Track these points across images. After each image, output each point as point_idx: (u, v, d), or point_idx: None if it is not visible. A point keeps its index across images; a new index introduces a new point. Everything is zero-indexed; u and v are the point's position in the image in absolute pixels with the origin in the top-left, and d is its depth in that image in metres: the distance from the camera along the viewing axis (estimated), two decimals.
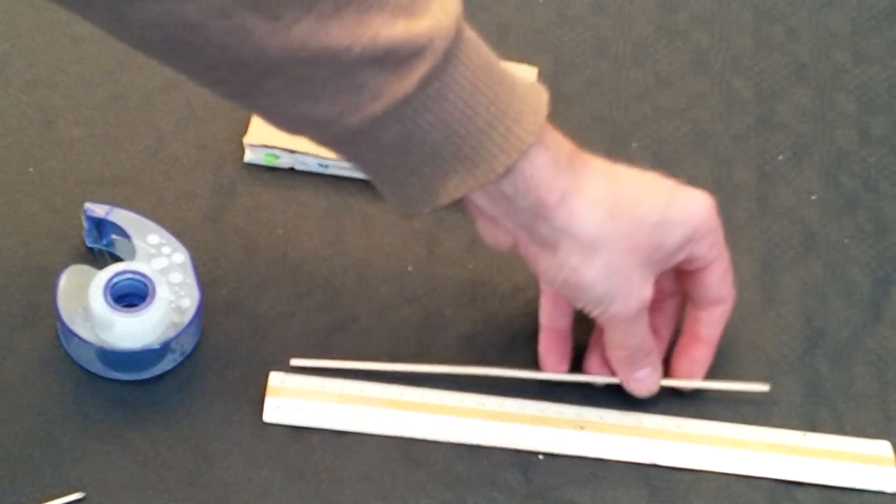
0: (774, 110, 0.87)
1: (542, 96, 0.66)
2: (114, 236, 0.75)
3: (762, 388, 0.74)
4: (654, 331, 0.73)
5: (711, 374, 0.75)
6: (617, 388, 0.73)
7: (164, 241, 0.74)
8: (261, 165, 0.81)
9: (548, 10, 0.91)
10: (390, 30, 0.61)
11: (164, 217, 0.76)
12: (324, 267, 0.77)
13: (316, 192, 0.80)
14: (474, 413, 0.72)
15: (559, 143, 0.66)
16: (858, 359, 0.77)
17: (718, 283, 0.72)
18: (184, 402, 0.71)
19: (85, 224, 0.75)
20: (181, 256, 0.74)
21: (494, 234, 0.69)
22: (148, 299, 0.71)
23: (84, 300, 0.71)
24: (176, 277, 0.73)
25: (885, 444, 0.74)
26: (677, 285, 0.74)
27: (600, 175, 0.67)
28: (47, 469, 0.68)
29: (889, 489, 0.72)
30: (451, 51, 0.62)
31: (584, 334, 0.74)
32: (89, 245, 0.76)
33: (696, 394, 0.75)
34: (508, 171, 0.65)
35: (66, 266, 0.73)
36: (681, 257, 0.70)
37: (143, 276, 0.71)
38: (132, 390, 0.71)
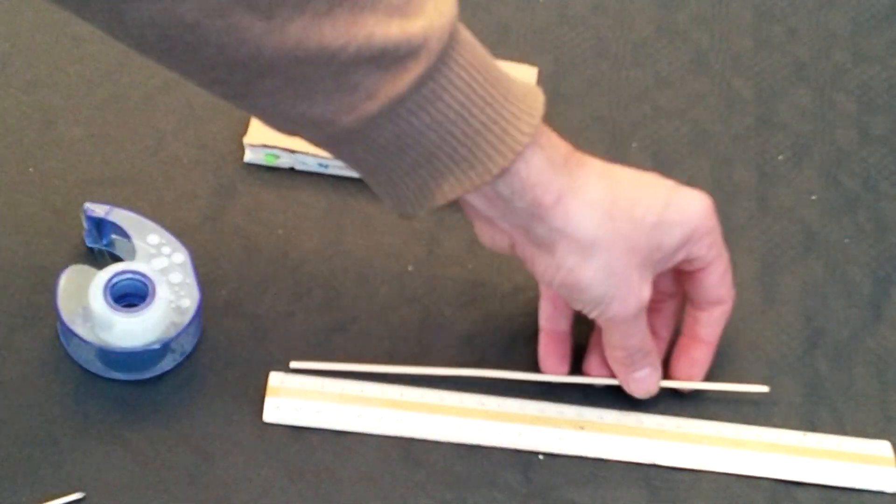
0: (774, 110, 0.87)
1: (538, 97, 0.66)
2: (114, 236, 0.75)
3: (762, 389, 0.74)
4: (654, 332, 0.73)
5: (712, 375, 0.75)
6: (617, 389, 0.73)
7: (164, 241, 0.74)
8: (261, 165, 0.81)
9: (548, 9, 0.90)
10: (385, 29, 0.61)
11: (164, 217, 0.76)
12: (324, 267, 0.77)
13: (316, 192, 0.80)
14: (474, 413, 0.72)
15: (555, 143, 0.66)
16: (858, 359, 0.77)
17: (717, 284, 0.72)
18: (184, 402, 0.71)
19: (85, 224, 0.75)
20: (181, 256, 0.74)
21: (491, 236, 0.69)
22: (148, 299, 0.71)
23: (84, 300, 0.71)
24: (176, 277, 0.73)
25: (885, 444, 0.74)
26: (676, 286, 0.74)
27: (597, 175, 0.67)
28: (47, 469, 0.68)
29: (889, 489, 0.72)
30: (446, 51, 0.63)
31: (583, 335, 0.74)
32: (89, 245, 0.76)
33: (696, 394, 0.75)
34: (504, 171, 0.65)
35: (66, 266, 0.73)
36: (679, 258, 0.70)
37: (143, 276, 0.71)
38: (132, 390, 0.71)
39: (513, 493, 0.70)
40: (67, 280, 0.72)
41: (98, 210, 0.75)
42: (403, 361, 0.74)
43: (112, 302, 0.70)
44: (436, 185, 0.65)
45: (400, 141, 0.64)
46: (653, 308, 0.73)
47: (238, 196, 0.79)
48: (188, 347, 0.73)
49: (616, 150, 0.84)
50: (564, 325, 0.73)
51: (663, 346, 0.74)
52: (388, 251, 0.78)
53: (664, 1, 0.92)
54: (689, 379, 0.74)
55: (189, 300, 0.72)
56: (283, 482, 0.69)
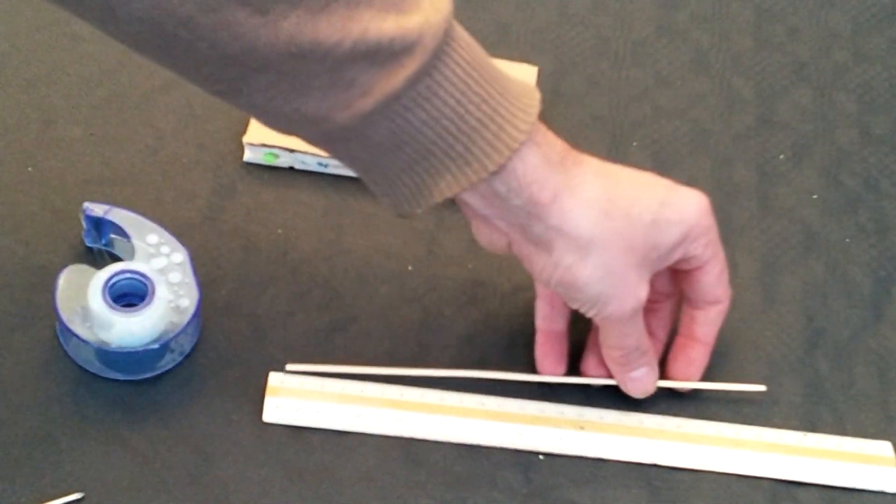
0: (775, 110, 0.87)
1: (534, 95, 0.66)
2: (113, 236, 0.75)
3: (758, 388, 0.74)
4: (651, 332, 0.73)
5: (712, 374, 0.75)
6: (617, 388, 0.73)
7: (163, 241, 0.74)
8: (260, 165, 0.81)
9: (548, 9, 0.90)
10: (380, 25, 0.61)
11: (164, 216, 0.76)
12: (323, 266, 0.77)
13: (316, 192, 0.80)
14: (474, 413, 0.72)
15: (551, 142, 0.67)
16: (859, 359, 0.77)
17: (714, 283, 0.72)
18: (183, 402, 0.71)
19: (84, 223, 0.75)
20: (180, 256, 0.74)
21: (488, 235, 0.69)
22: (147, 299, 0.71)
23: (83, 300, 0.71)
24: (175, 277, 0.73)
25: (885, 445, 0.73)
26: (673, 286, 0.74)
27: (594, 174, 0.67)
28: (46, 469, 0.68)
29: (890, 489, 0.72)
30: (442, 48, 0.63)
31: (581, 335, 0.74)
32: (88, 245, 0.76)
33: (696, 394, 0.74)
34: (500, 169, 0.65)
35: (64, 266, 0.73)
36: (676, 257, 0.70)
37: (143, 275, 0.71)
38: (131, 390, 0.71)
39: (513, 493, 0.70)
40: (66, 280, 0.72)
41: (97, 209, 0.75)
42: (403, 361, 0.74)
43: (111, 302, 0.70)
44: (432, 182, 0.65)
45: (396, 138, 0.64)
46: (650, 308, 0.73)
47: (237, 195, 0.79)
48: (187, 347, 0.73)
49: (616, 149, 0.84)
50: (561, 324, 0.73)
51: (660, 346, 0.74)
52: (387, 251, 0.78)
53: (664, 0, 0.92)
54: (687, 379, 0.74)
55: (188, 300, 0.72)
56: (283, 482, 0.69)
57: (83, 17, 0.61)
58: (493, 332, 0.76)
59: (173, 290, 0.72)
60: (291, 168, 0.81)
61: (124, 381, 0.71)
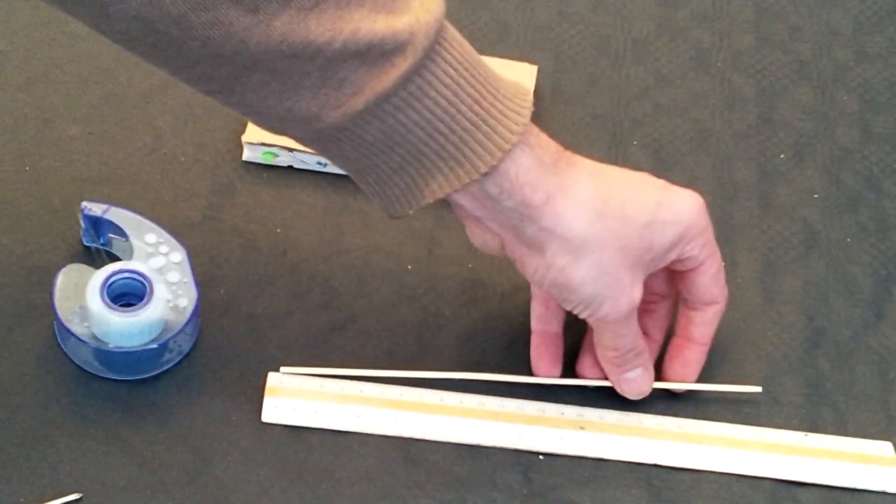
0: (776, 108, 0.87)
1: (526, 96, 0.66)
2: (111, 235, 0.75)
3: (755, 389, 0.74)
4: (647, 333, 0.73)
5: (712, 373, 0.75)
6: (615, 389, 0.73)
7: (161, 240, 0.74)
8: (259, 164, 0.81)
9: (548, 7, 0.90)
10: (371, 25, 0.61)
11: (162, 216, 0.76)
12: (323, 266, 0.77)
13: (315, 191, 0.80)
14: (474, 413, 0.72)
15: (544, 143, 0.67)
16: (860, 358, 0.77)
17: (710, 283, 0.72)
18: (182, 402, 0.71)
19: (82, 223, 0.75)
20: (179, 255, 0.73)
21: (482, 236, 0.69)
22: (145, 299, 0.70)
23: (81, 299, 0.71)
24: (174, 277, 0.73)
25: (886, 445, 0.73)
26: (669, 287, 0.74)
27: (588, 175, 0.67)
28: (44, 469, 0.68)
29: (891, 489, 0.72)
30: (433, 48, 0.63)
31: (577, 337, 0.74)
32: (86, 244, 0.76)
33: (697, 394, 0.74)
34: (492, 170, 0.65)
35: (63, 265, 0.73)
36: (672, 257, 0.70)
37: (141, 275, 0.71)
38: (129, 390, 0.71)
39: (513, 493, 0.70)
40: (64, 279, 0.72)
41: (95, 209, 0.75)
42: (402, 361, 0.74)
43: (109, 301, 0.70)
44: (424, 183, 0.66)
45: (387, 138, 0.64)
46: (646, 309, 0.73)
47: (236, 195, 0.79)
48: (186, 347, 0.72)
49: (616, 148, 0.84)
50: (556, 326, 0.73)
51: (656, 347, 0.74)
52: (387, 250, 0.78)
53: None
54: (683, 380, 0.74)
55: (187, 299, 0.72)
56: (282, 482, 0.69)
57: (76, 15, 0.61)
58: (492, 332, 0.75)
59: (172, 290, 0.72)
60: (290, 167, 0.81)
61: (122, 380, 0.71)
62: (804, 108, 0.87)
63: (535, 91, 0.84)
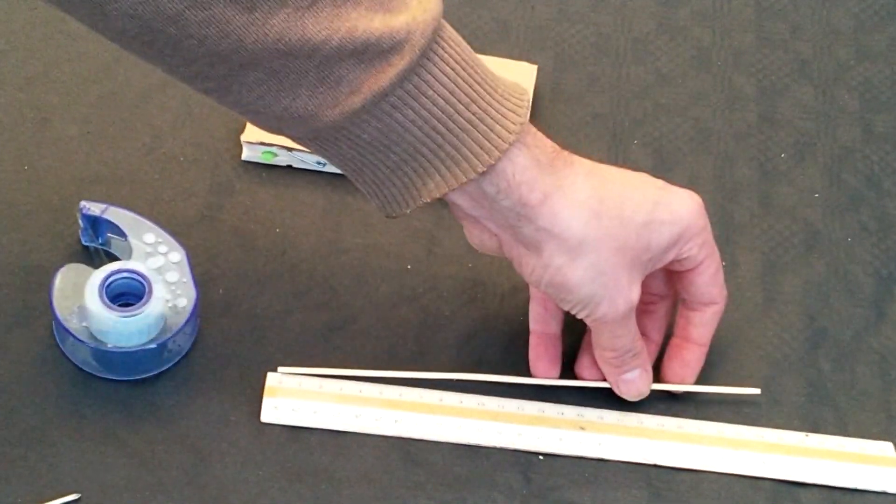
0: (776, 108, 0.87)
1: (524, 96, 0.66)
2: (110, 235, 0.75)
3: (754, 391, 0.74)
4: (645, 334, 0.73)
5: (712, 374, 0.74)
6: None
7: (160, 240, 0.74)
8: (258, 163, 0.80)
9: (548, 6, 0.90)
10: (368, 24, 0.61)
11: (161, 215, 0.76)
12: (322, 266, 0.77)
13: (314, 190, 0.80)
14: (474, 413, 0.72)
15: (541, 143, 0.66)
16: (861, 358, 0.76)
17: (709, 284, 0.71)
18: (180, 402, 0.71)
19: (80, 222, 0.75)
20: (178, 255, 0.73)
21: (479, 236, 0.69)
22: (144, 299, 0.70)
23: (80, 299, 0.71)
24: (172, 276, 0.72)
25: (887, 445, 0.73)
26: (668, 287, 0.73)
27: (585, 175, 0.67)
28: (42, 470, 0.68)
29: (892, 490, 0.72)
30: (430, 47, 0.63)
31: (576, 337, 0.74)
32: (85, 244, 0.76)
33: (697, 394, 0.74)
34: (489, 170, 0.65)
35: (61, 265, 0.72)
36: (670, 258, 0.70)
37: (140, 275, 0.71)
38: (128, 390, 0.71)
39: (513, 493, 0.70)
40: (63, 279, 0.72)
41: (94, 208, 0.74)
42: (402, 361, 0.73)
43: (108, 301, 0.70)
44: (421, 182, 0.65)
45: (384, 137, 0.64)
46: (645, 310, 0.73)
47: (235, 194, 0.79)
48: (185, 347, 0.72)
49: (617, 147, 0.84)
50: (555, 327, 0.73)
51: (655, 347, 0.74)
52: (386, 250, 0.78)
53: None
54: (681, 380, 0.74)
55: (186, 299, 0.72)
56: (281, 483, 0.69)
57: (73, 13, 0.61)
58: (492, 332, 0.75)
59: (170, 290, 0.72)
60: (290, 166, 0.81)
61: (121, 381, 0.71)
62: (805, 107, 0.87)
63: (534, 90, 0.84)
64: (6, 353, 0.71)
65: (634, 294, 0.68)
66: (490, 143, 0.65)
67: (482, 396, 0.73)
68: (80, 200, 0.75)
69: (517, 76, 0.83)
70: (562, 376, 0.73)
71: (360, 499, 0.69)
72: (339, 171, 0.79)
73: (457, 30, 0.66)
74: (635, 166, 0.82)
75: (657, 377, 0.73)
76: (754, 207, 0.82)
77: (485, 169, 0.65)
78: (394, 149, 0.65)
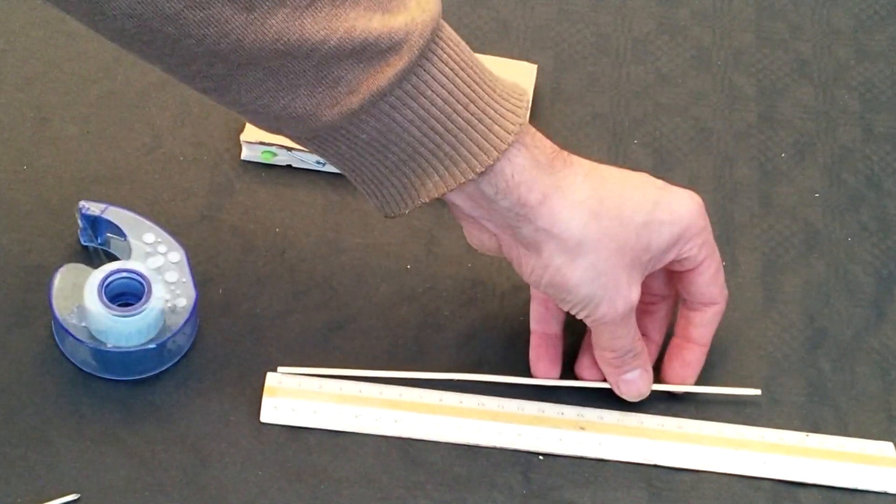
0: (777, 107, 0.87)
1: (523, 96, 0.66)
2: (109, 235, 0.75)
3: (754, 392, 0.74)
4: (646, 334, 0.73)
5: (713, 374, 0.74)
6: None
7: (159, 240, 0.74)
8: (258, 163, 0.80)
9: (548, 6, 0.90)
10: (366, 23, 0.61)
11: (160, 215, 0.76)
12: (322, 266, 0.77)
13: (314, 190, 0.80)
14: (473, 413, 0.72)
15: (540, 143, 0.66)
16: (861, 359, 0.76)
17: (709, 284, 0.71)
18: (180, 402, 0.71)
19: (80, 222, 0.75)
20: (177, 255, 0.73)
21: (479, 236, 0.69)
22: (143, 299, 0.70)
23: (79, 299, 0.71)
24: (172, 276, 0.72)
25: (888, 445, 0.73)
26: (669, 287, 0.73)
27: (584, 175, 0.67)
28: (42, 470, 0.68)
29: (892, 490, 0.72)
30: (429, 46, 0.63)
31: (577, 338, 0.74)
32: (84, 243, 0.75)
33: (697, 394, 0.74)
34: (488, 170, 0.65)
35: (60, 265, 0.72)
36: (670, 258, 0.70)
37: (139, 275, 0.71)
38: (128, 390, 0.71)
39: (513, 493, 0.70)
40: (62, 279, 0.72)
41: (93, 208, 0.74)
42: (401, 361, 0.73)
43: (107, 301, 0.70)
44: (419, 183, 0.65)
45: (383, 137, 0.64)
46: (645, 310, 0.73)
47: (235, 194, 0.79)
48: (184, 347, 0.72)
49: (617, 147, 0.84)
50: (555, 327, 0.73)
51: (656, 347, 0.74)
52: (386, 250, 0.78)
53: None
54: (682, 380, 0.73)
55: (185, 299, 0.72)
56: (281, 483, 0.69)
57: (72, 13, 0.61)
58: (491, 332, 0.75)
59: (170, 290, 0.72)
60: (289, 166, 0.80)
61: (121, 381, 0.71)
62: (805, 107, 0.87)
63: (534, 90, 0.84)
64: (6, 353, 0.71)
65: (634, 294, 0.68)
66: (489, 143, 0.65)
67: (482, 396, 0.72)
68: (80, 200, 0.75)
69: (517, 76, 0.83)
70: (562, 376, 0.73)
71: (359, 499, 0.69)
72: (338, 170, 0.80)
73: (457, 29, 0.66)
74: (635, 166, 0.82)
75: (657, 377, 0.73)
76: (754, 207, 0.82)
77: (483, 169, 0.65)
78: (392, 149, 0.64)
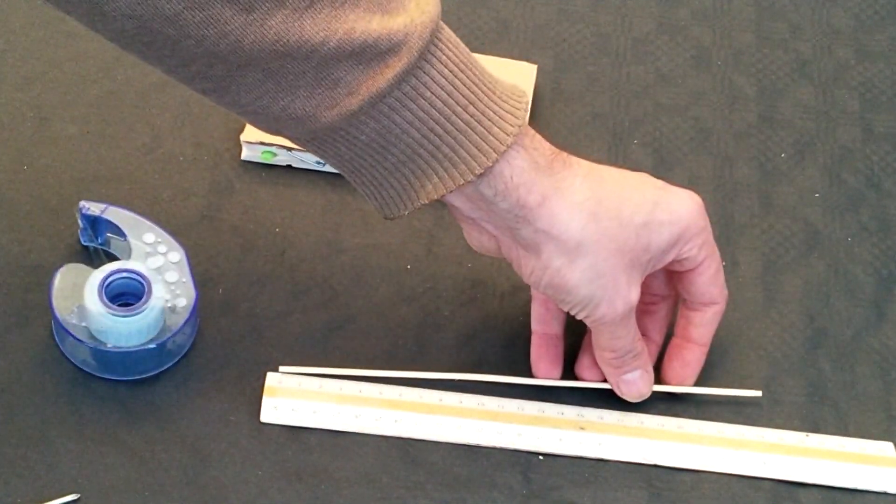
0: (777, 107, 0.87)
1: (522, 98, 0.66)
2: (109, 235, 0.75)
3: (755, 394, 0.74)
4: (646, 334, 0.73)
5: (713, 374, 0.74)
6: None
7: (159, 240, 0.74)
8: (258, 163, 0.80)
9: (548, 6, 0.90)
10: (366, 25, 0.61)
11: (160, 215, 0.76)
12: (322, 266, 0.77)
13: (314, 190, 0.80)
14: (473, 413, 0.72)
15: (539, 144, 0.66)
16: (861, 359, 0.76)
17: (709, 284, 0.71)
18: (180, 402, 0.71)
19: (80, 222, 0.75)
20: (177, 255, 0.73)
21: (478, 237, 0.69)
22: (143, 299, 0.70)
23: (79, 299, 0.70)
24: (172, 276, 0.72)
25: (888, 445, 0.73)
26: (669, 288, 0.73)
27: (583, 177, 0.67)
28: (41, 470, 0.68)
29: (892, 490, 0.72)
30: (428, 49, 0.63)
31: (579, 338, 0.74)
32: (84, 243, 0.75)
33: (697, 395, 0.74)
34: (487, 172, 0.65)
35: (60, 265, 0.72)
36: (670, 258, 0.70)
37: (139, 275, 0.71)
38: (128, 390, 0.71)
39: (513, 493, 0.70)
40: (62, 279, 0.71)
41: (93, 208, 0.74)
42: (401, 361, 0.73)
43: (107, 301, 0.70)
44: (418, 184, 0.65)
45: (382, 138, 0.64)
46: (646, 310, 0.73)
47: (235, 194, 0.79)
48: (184, 347, 0.72)
49: (617, 147, 0.84)
50: (556, 328, 0.73)
51: (656, 348, 0.74)
52: (386, 250, 0.78)
53: None
54: (682, 380, 0.73)
55: (185, 299, 0.72)
56: (281, 483, 0.69)
57: (71, 13, 0.61)
58: (491, 332, 0.75)
59: (170, 290, 0.72)
60: (289, 166, 0.80)
61: (121, 381, 0.71)
62: (805, 106, 0.87)
63: (534, 90, 0.84)
64: (6, 353, 0.71)
65: (633, 295, 0.68)
66: (488, 145, 0.65)
67: (482, 396, 0.72)
68: (80, 200, 0.75)
69: (517, 76, 0.83)
70: (562, 377, 0.73)
71: (359, 499, 0.69)
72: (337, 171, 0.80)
73: (456, 29, 0.66)
74: (635, 166, 0.82)
75: (657, 376, 0.73)
76: (754, 207, 0.82)
77: (482, 171, 0.65)
78: (391, 150, 0.64)
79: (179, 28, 0.60)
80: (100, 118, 0.81)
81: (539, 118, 0.84)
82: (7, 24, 0.84)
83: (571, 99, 0.86)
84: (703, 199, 0.70)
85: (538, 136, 0.67)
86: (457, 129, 0.64)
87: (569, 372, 0.74)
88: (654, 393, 0.73)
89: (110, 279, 0.71)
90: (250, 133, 0.79)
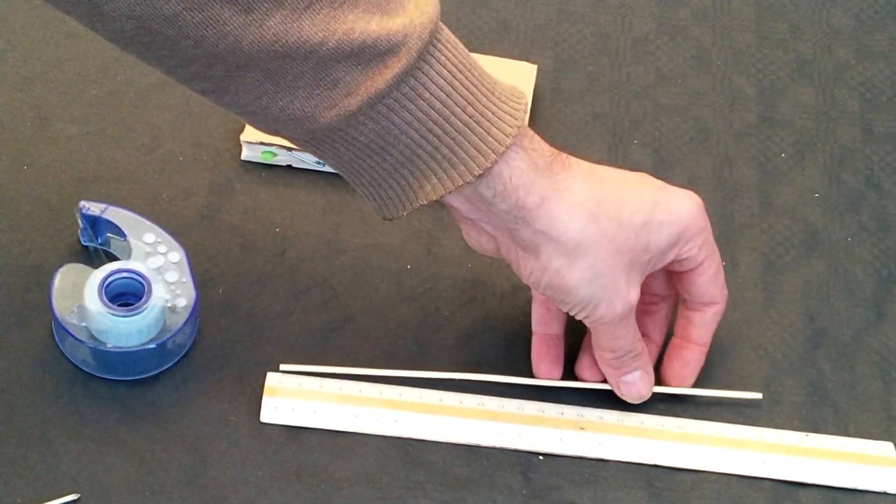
0: (777, 107, 0.87)
1: (521, 99, 0.66)
2: (109, 235, 0.75)
3: (755, 396, 0.74)
4: (646, 335, 0.73)
5: (713, 374, 0.74)
6: None
7: (159, 240, 0.74)
8: (258, 163, 0.80)
9: (548, 6, 0.90)
10: (365, 25, 0.61)
11: (160, 215, 0.76)
12: (322, 266, 0.77)
13: (314, 190, 0.80)
14: (473, 413, 0.72)
15: (538, 145, 0.66)
16: (861, 359, 0.76)
17: (709, 284, 0.71)
18: (180, 402, 0.71)
19: (80, 222, 0.75)
20: (177, 255, 0.73)
21: (477, 238, 0.69)
22: (143, 299, 0.70)
23: (79, 299, 0.70)
24: (172, 276, 0.72)
25: (888, 445, 0.73)
26: (669, 288, 0.73)
27: (582, 177, 0.67)
28: (41, 470, 0.68)
29: (892, 490, 0.72)
30: (427, 49, 0.63)
31: (578, 337, 0.74)
32: (84, 243, 0.75)
33: (697, 395, 0.74)
34: (486, 173, 0.65)
35: (60, 265, 0.72)
36: (670, 258, 0.70)
37: (139, 275, 0.71)
38: (128, 390, 0.71)
39: (513, 493, 0.70)
40: (62, 279, 0.71)
41: (93, 208, 0.74)
42: (401, 361, 0.73)
43: (107, 301, 0.70)
44: (417, 185, 0.65)
45: (381, 139, 0.64)
46: (645, 310, 0.73)
47: (235, 194, 0.79)
48: (184, 347, 0.72)
49: (617, 147, 0.84)
50: (557, 328, 0.73)
51: (656, 348, 0.74)
52: (386, 250, 0.78)
53: None
54: (681, 380, 0.74)
55: (185, 299, 0.72)
56: (281, 483, 0.69)
57: (70, 13, 0.61)
58: (491, 332, 0.75)
59: (170, 290, 0.72)
60: (289, 166, 0.80)
61: (121, 381, 0.71)
62: (805, 107, 0.87)
63: (534, 90, 0.84)
64: (6, 353, 0.71)
65: (633, 295, 0.68)
66: (487, 146, 0.65)
67: (482, 396, 0.72)
68: (80, 200, 0.75)
69: (517, 76, 0.83)
70: (562, 377, 0.73)
71: (359, 499, 0.69)
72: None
73: (456, 29, 0.66)
74: (635, 166, 0.82)
75: (657, 376, 0.73)
76: (754, 207, 0.82)
77: (481, 172, 0.65)
78: (390, 151, 0.64)
79: (178, 29, 0.60)
80: (100, 118, 0.81)
81: (539, 118, 0.84)
82: (7, 24, 0.84)
83: (571, 99, 0.86)
84: (703, 199, 0.70)
85: (537, 138, 0.67)
86: (456, 130, 0.64)
87: (569, 372, 0.74)
88: (654, 393, 0.73)
89: (110, 279, 0.71)
90: (250, 133, 0.79)
